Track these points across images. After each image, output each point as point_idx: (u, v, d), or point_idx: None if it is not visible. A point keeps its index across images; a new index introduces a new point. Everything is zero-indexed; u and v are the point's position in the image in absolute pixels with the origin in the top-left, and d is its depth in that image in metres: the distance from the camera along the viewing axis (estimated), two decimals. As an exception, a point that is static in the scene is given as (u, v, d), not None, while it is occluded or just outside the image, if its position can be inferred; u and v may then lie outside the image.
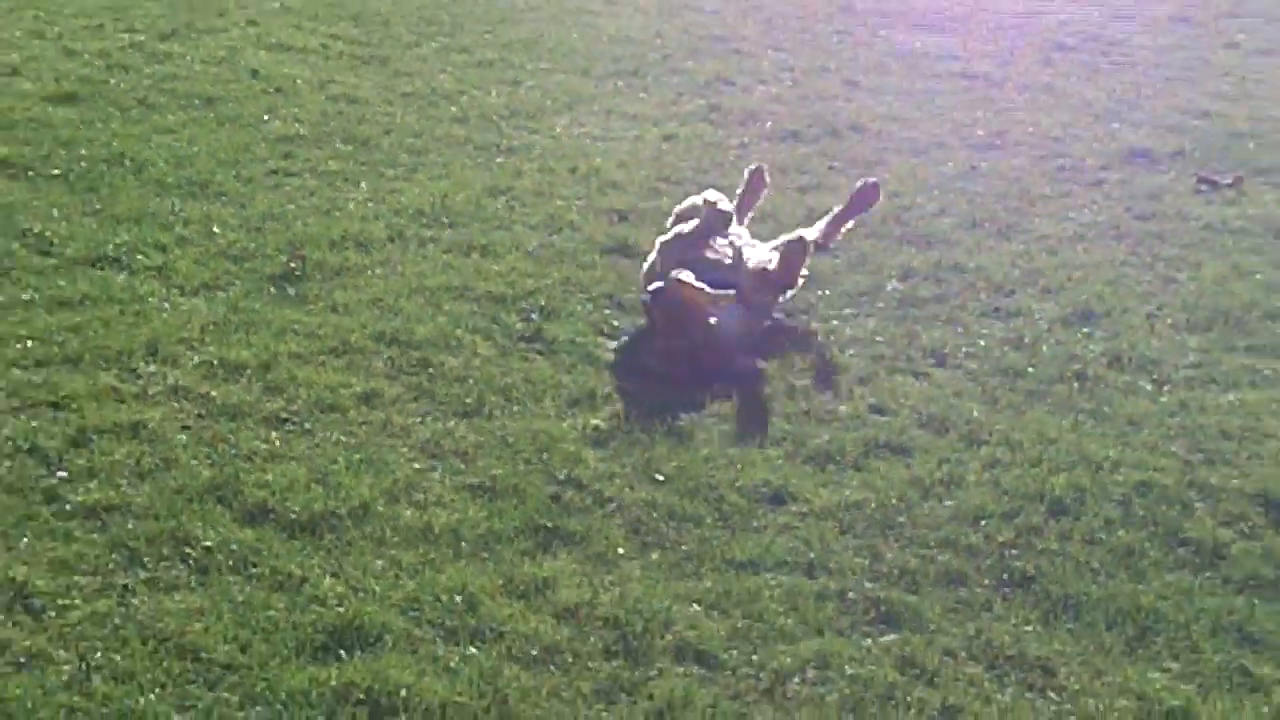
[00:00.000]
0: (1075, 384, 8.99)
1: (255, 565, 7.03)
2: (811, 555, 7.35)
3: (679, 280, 9.00)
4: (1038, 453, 8.24)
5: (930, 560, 7.37)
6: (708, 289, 9.06)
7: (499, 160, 11.86)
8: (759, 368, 9.13)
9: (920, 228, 10.96)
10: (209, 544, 7.14)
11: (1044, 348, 9.34)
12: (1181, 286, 10.25)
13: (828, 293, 10.03)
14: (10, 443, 7.78)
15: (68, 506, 7.34)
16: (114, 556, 7.03)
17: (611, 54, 14.63)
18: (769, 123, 13.03)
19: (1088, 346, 9.38)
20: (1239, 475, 8.15)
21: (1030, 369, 9.11)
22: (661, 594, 6.99)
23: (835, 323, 9.59)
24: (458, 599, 6.86)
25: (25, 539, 7.07)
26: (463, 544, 7.26)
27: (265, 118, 12.45)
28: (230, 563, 7.01)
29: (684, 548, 7.38)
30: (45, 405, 8.17)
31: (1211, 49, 15.74)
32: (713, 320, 9.07)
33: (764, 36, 15.47)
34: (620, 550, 7.32)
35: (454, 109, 12.94)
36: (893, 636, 6.89)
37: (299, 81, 13.33)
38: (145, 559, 7.02)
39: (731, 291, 9.21)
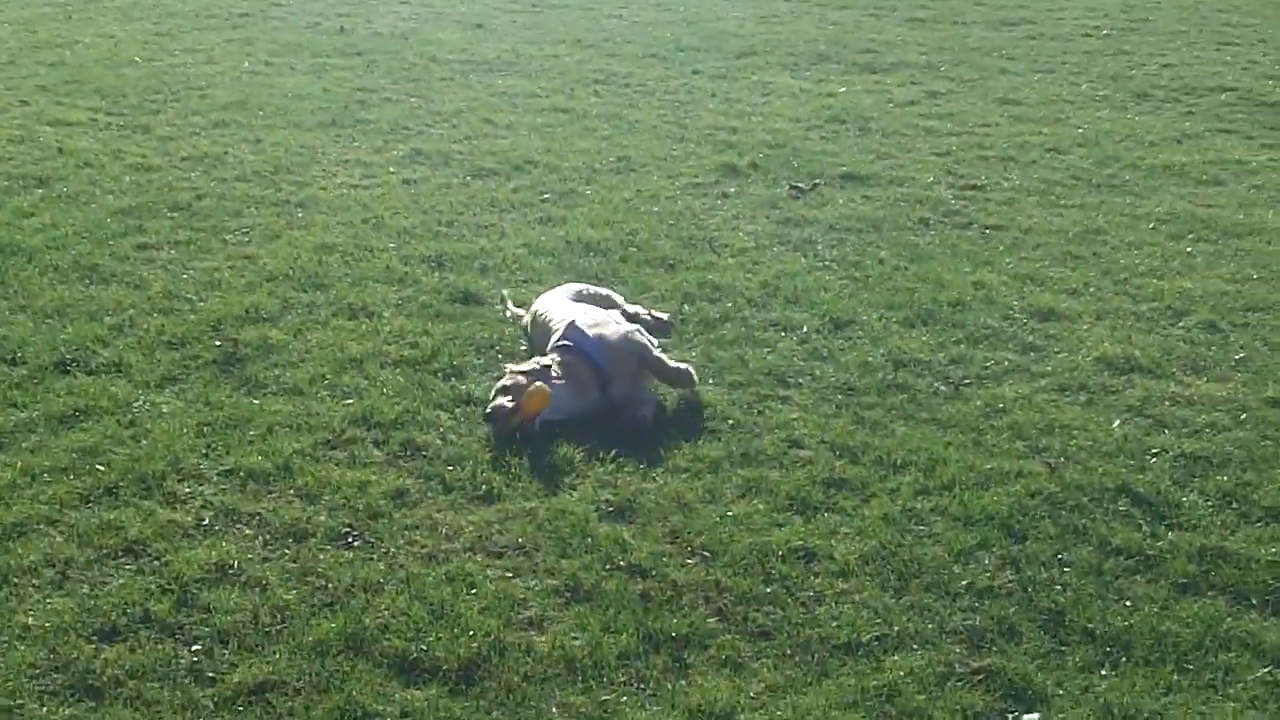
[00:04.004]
0: (898, 394, 6.35)
1: None
2: (892, 628, 4.72)
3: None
4: (945, 473, 5.75)
5: (980, 613, 4.83)
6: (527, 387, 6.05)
7: (300, 215, 8.57)
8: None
9: (651, 252, 8.04)
10: (391, 719, 3.91)
11: (842, 357, 6.71)
12: (864, 285, 7.78)
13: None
14: (120, 611, 4.51)
15: (225, 689, 4.11)
16: (312, 753, 3.79)
17: (302, 109, 11.19)
18: (465, 162, 9.91)
19: (866, 354, 6.70)
20: (1087, 470, 5.75)
21: (855, 382, 6.38)
22: (822, 705, 4.37)
23: (677, 352, 6.63)
24: (668, 752, 3.88)
25: None
26: (606, 671, 4.37)
27: (95, 193, 8.69)
28: None
29: (785, 634, 4.62)
30: (121, 552, 4.90)
31: (683, 77, 12.95)
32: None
33: (396, 86, 12.17)
34: (741, 651, 4.53)
35: (231, 169, 9.41)
36: (1036, 715, 4.18)
37: (98, 155, 9.49)
38: (342, 750, 3.81)
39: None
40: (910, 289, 7.72)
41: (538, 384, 5.89)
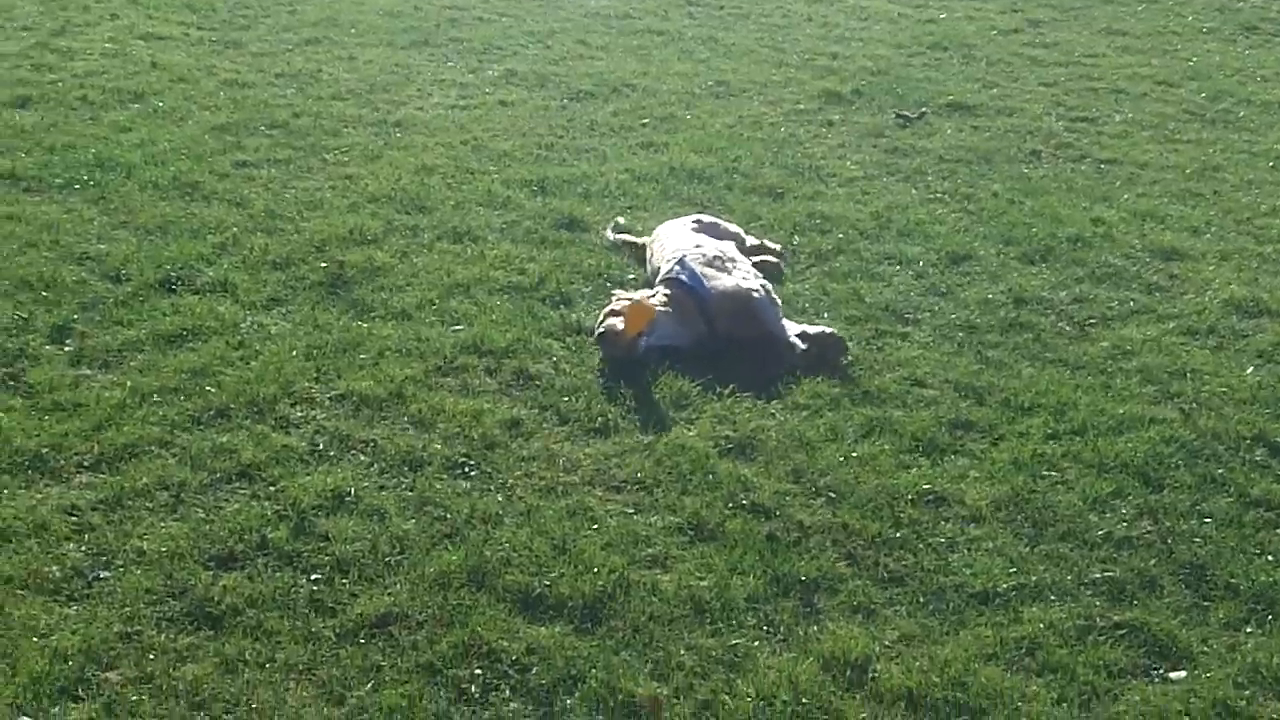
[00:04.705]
0: (1022, 333, 6.12)
1: (582, 681, 3.72)
2: (1029, 578, 4.51)
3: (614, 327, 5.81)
4: (1075, 417, 5.53)
5: (1119, 565, 4.64)
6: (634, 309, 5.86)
7: (398, 135, 8.37)
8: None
9: (757, 180, 7.80)
10: (515, 655, 3.81)
11: (961, 293, 6.49)
12: (980, 218, 7.49)
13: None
14: (237, 537, 4.34)
15: (347, 621, 3.94)
16: (439, 690, 3.64)
17: (394, 27, 10.99)
18: (561, 84, 9.68)
19: (986, 290, 6.46)
20: (1221, 418, 5.49)
21: (976, 319, 6.14)
22: (961, 657, 4.14)
23: (789, 285, 6.41)
24: (804, 701, 3.69)
25: (332, 670, 3.62)
26: (735, 614, 4.17)
27: (191, 109, 8.53)
28: (553, 679, 3.73)
29: (918, 581, 4.40)
30: (235, 476, 4.72)
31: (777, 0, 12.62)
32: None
33: (487, 5, 12.14)
34: (872, 598, 4.32)
35: (326, 87, 9.22)
36: (1182, 674, 3.99)
37: (192, 70, 9.32)
38: (468, 688, 3.66)
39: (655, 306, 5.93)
40: (1027, 224, 7.47)
41: (642, 300, 5.72)
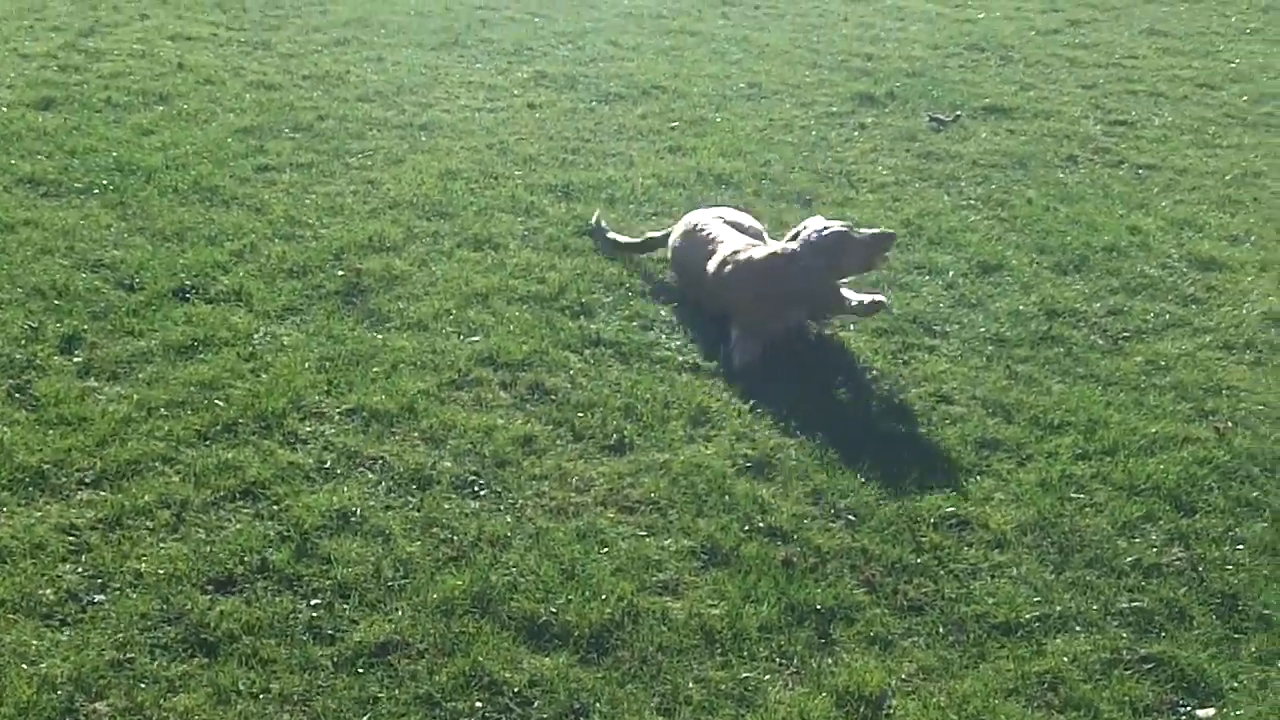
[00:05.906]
0: (1053, 347, 5.93)
1: (586, 715, 3.63)
2: (1054, 608, 4.32)
3: None
4: (1106, 436, 5.32)
5: (1147, 594, 4.46)
6: None
7: (423, 138, 8.22)
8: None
9: (787, 185, 7.64)
10: (518, 687, 3.64)
11: (992, 305, 6.30)
12: (1013, 225, 7.30)
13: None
14: (238, 559, 4.25)
15: (345, 649, 3.79)
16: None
17: (425, 27, 10.87)
18: (591, 86, 9.50)
19: (1017, 301, 6.27)
20: (1258, 437, 5.41)
21: (1006, 332, 5.95)
22: (981, 692, 3.98)
23: (814, 295, 6.26)
24: (815, 741, 3.55)
25: (328, 702, 3.49)
26: (747, 644, 4.01)
27: (216, 111, 8.40)
28: (555, 713, 3.63)
29: (938, 610, 4.25)
30: (239, 495, 4.58)
31: (815, -3, 12.40)
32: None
33: (519, 4, 11.96)
34: (890, 627, 4.13)
35: (353, 89, 9.07)
36: (1211, 711, 3.83)
37: (219, 72, 9.21)
38: (469, 721, 3.55)
39: None
40: (1061, 232, 7.28)
41: None
